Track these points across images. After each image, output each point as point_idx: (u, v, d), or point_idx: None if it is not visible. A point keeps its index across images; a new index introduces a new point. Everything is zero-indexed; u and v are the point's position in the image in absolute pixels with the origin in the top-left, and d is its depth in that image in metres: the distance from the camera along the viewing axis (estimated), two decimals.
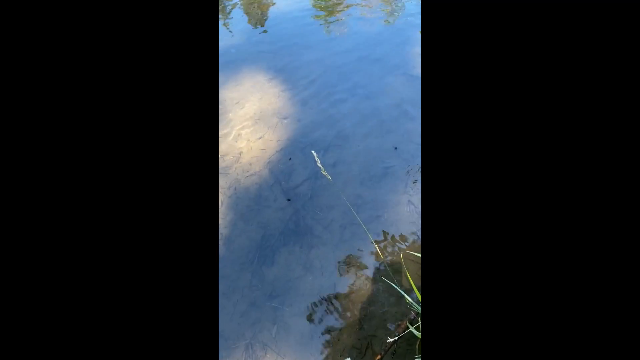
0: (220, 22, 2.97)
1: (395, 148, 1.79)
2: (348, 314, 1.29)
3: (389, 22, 2.81)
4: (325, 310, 1.30)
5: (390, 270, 1.38)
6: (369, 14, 2.92)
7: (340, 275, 1.39)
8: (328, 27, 2.80)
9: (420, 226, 1.51)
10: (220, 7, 3.21)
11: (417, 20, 2.81)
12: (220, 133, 1.97)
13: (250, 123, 2.01)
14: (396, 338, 1.17)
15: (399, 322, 1.24)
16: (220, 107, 2.13)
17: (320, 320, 1.28)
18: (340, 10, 2.99)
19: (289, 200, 1.62)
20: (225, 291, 1.37)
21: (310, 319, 1.29)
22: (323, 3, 3.09)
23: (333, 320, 1.28)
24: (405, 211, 1.57)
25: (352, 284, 1.36)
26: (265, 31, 2.79)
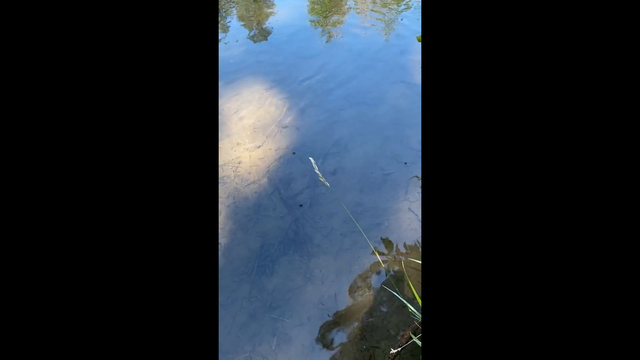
0: (220, 34, 3.00)
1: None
2: (349, 324, 1.26)
3: (387, 30, 2.84)
4: (326, 321, 1.27)
5: (392, 279, 1.35)
6: (367, 23, 2.95)
7: (341, 284, 1.36)
8: (326, 36, 2.83)
9: (421, 233, 1.49)
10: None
11: (416, 27, 2.83)
12: (218, 143, 1.96)
13: (248, 132, 2.00)
14: (399, 349, 1.14)
15: (402, 332, 1.20)
16: (219, 117, 2.13)
17: (321, 332, 1.25)
18: (338, 20, 3.02)
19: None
20: (223, 303, 1.34)
21: (311, 330, 1.26)
22: (321, 16, 3.12)
23: (334, 331, 1.25)
24: (405, 218, 1.55)
25: (354, 294, 1.33)
26: (263, 41, 2.81)
